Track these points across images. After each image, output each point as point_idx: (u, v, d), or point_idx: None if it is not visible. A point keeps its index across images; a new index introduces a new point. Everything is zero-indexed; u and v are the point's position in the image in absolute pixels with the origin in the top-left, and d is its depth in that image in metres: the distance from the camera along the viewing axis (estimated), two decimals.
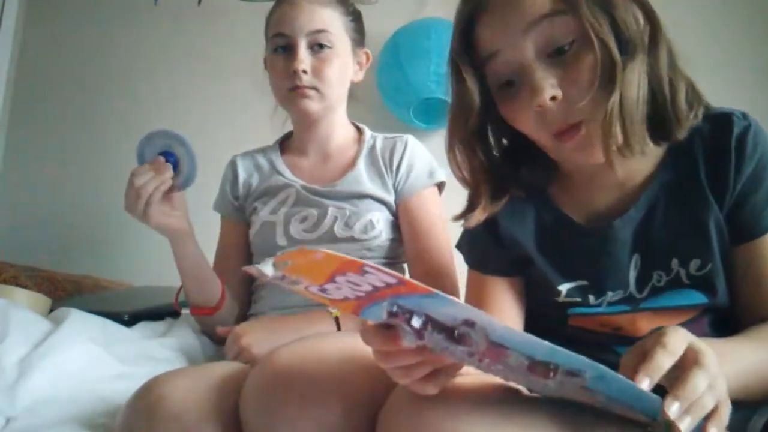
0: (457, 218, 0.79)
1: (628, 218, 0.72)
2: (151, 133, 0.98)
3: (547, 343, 0.45)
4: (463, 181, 0.75)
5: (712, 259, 0.69)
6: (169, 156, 0.96)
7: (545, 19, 0.63)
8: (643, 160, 0.71)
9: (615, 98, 0.62)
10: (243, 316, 1.14)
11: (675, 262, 0.70)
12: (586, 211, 0.75)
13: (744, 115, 0.69)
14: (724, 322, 0.71)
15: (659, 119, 0.66)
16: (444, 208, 1.10)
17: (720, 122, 0.69)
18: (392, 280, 0.42)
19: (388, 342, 0.49)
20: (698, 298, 0.70)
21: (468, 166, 0.74)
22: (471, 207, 0.75)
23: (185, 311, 1.07)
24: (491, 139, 0.75)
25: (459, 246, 0.88)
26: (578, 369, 0.47)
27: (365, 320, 0.51)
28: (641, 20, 0.65)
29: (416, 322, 0.46)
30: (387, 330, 0.49)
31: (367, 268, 0.42)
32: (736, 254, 0.70)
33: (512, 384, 0.58)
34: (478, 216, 0.73)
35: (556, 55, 0.64)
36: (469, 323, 0.45)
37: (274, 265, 0.44)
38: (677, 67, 0.67)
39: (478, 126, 0.72)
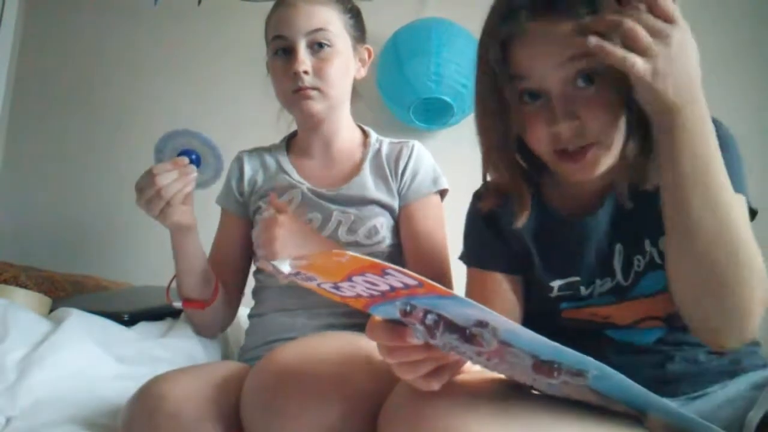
0: (475, 195, 0.85)
1: (606, 209, 0.77)
2: (173, 131, 0.96)
3: (553, 343, 0.45)
4: (506, 190, 0.79)
5: None
6: (189, 154, 0.95)
7: (582, 58, 0.66)
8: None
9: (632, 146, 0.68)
10: (234, 312, 1.15)
11: (647, 243, 0.74)
12: (573, 209, 0.80)
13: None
14: None
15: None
16: (445, 212, 1.10)
17: None
18: (412, 282, 0.42)
19: (395, 337, 0.49)
20: None
21: (509, 171, 0.77)
22: (519, 209, 0.77)
23: (176, 304, 1.07)
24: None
25: (463, 241, 0.90)
26: (582, 368, 0.48)
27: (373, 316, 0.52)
28: None
29: (429, 321, 0.46)
30: (394, 325, 0.50)
31: (388, 270, 0.42)
32: None
33: (515, 381, 0.58)
34: (525, 217, 0.77)
35: (581, 86, 0.68)
36: (482, 324, 0.45)
37: (291, 264, 0.44)
38: None
39: (516, 139, 0.74)
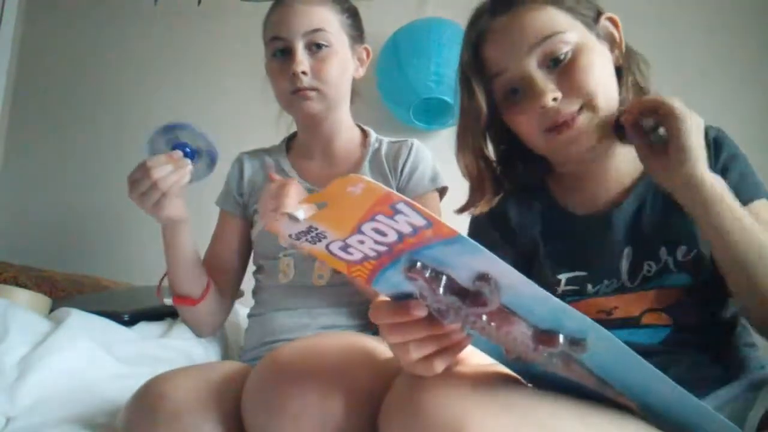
0: (461, 210, 0.86)
1: (622, 210, 0.79)
2: (166, 125, 0.96)
3: (554, 298, 0.46)
4: (470, 176, 0.83)
5: (697, 245, 0.74)
6: (183, 147, 0.95)
7: (545, 40, 0.74)
8: (632, 162, 0.79)
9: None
10: (227, 312, 1.16)
11: (663, 251, 0.76)
12: (585, 205, 0.82)
13: (710, 126, 0.79)
14: (714, 303, 0.77)
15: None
16: (445, 213, 1.10)
17: None
18: (421, 222, 0.43)
19: (399, 313, 0.50)
20: (685, 279, 0.76)
21: (475, 164, 0.82)
22: (477, 198, 0.83)
23: (167, 300, 1.07)
24: (490, 145, 0.85)
25: None
26: (581, 333, 0.48)
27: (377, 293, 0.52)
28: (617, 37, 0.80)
29: (431, 277, 0.47)
30: (397, 302, 0.50)
31: (399, 206, 0.42)
32: None
33: (512, 373, 0.58)
34: (483, 207, 0.82)
35: (554, 64, 0.74)
36: (485, 278, 0.46)
37: (305, 210, 0.45)
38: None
39: (485, 131, 0.81)
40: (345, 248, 0.47)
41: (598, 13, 0.79)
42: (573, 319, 0.47)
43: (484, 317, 0.49)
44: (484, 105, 0.78)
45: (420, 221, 0.43)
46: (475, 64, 0.78)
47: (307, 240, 0.47)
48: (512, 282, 0.46)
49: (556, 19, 0.75)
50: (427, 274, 0.47)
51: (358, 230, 0.45)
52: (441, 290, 0.47)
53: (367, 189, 0.42)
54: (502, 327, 0.50)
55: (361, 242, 0.46)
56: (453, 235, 0.43)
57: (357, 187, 0.42)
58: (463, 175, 0.84)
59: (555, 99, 0.73)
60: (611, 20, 0.80)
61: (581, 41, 0.75)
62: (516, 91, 0.77)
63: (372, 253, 0.47)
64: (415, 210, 0.42)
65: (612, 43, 0.79)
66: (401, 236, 0.44)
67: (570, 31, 0.74)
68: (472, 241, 0.43)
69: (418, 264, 0.46)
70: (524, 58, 0.74)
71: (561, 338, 0.49)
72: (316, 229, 0.46)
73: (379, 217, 0.43)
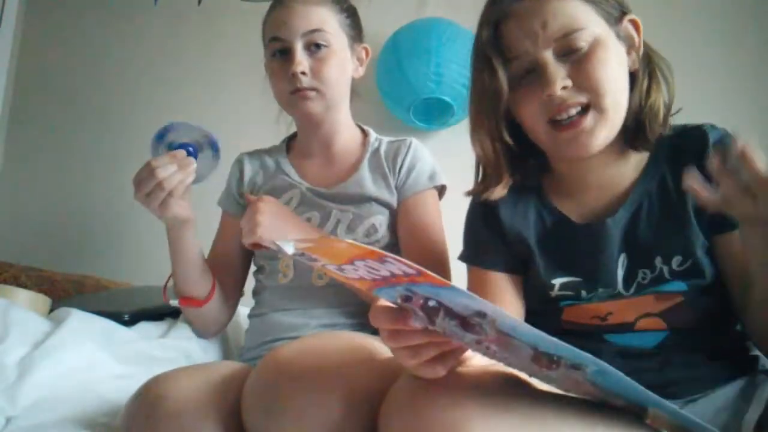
0: (470, 193, 0.86)
1: (618, 218, 0.78)
2: (170, 124, 0.96)
3: (552, 338, 0.46)
4: (486, 159, 0.82)
5: (693, 255, 0.74)
6: (186, 147, 0.95)
7: (565, 36, 0.73)
8: (629, 166, 0.79)
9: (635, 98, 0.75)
10: (231, 312, 1.16)
11: (658, 260, 0.75)
12: (581, 211, 0.81)
13: (713, 126, 0.78)
14: (711, 307, 0.76)
15: (636, 127, 0.77)
16: (445, 213, 1.10)
17: (698, 132, 0.77)
18: (411, 271, 0.43)
19: (398, 321, 0.50)
20: (680, 286, 0.76)
21: (492, 148, 0.80)
22: (492, 183, 0.82)
23: (173, 302, 1.07)
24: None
25: (463, 241, 0.91)
26: (580, 363, 0.48)
27: (377, 298, 0.52)
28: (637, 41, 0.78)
29: (429, 308, 0.47)
30: (397, 309, 0.50)
31: (387, 259, 0.43)
32: (725, 242, 0.75)
33: (515, 372, 0.58)
34: (500, 191, 0.81)
35: (569, 53, 0.74)
36: (481, 314, 0.46)
37: (295, 246, 0.45)
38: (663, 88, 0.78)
39: (504, 113, 0.78)
40: (340, 270, 0.48)
41: (622, 13, 0.78)
42: (572, 351, 0.47)
43: (483, 342, 0.49)
44: (505, 85, 0.76)
45: (410, 270, 0.43)
46: (495, 43, 0.77)
47: (302, 258, 0.48)
48: (509, 322, 0.46)
49: (578, 13, 0.73)
50: (425, 307, 0.47)
51: (351, 262, 0.46)
52: (438, 320, 0.47)
53: (351, 246, 0.43)
54: (501, 351, 0.50)
55: (356, 270, 0.47)
56: (445, 285, 0.43)
57: (342, 245, 0.43)
58: (477, 158, 0.83)
59: (564, 88, 0.72)
60: (633, 23, 0.78)
61: (600, 37, 0.74)
62: (527, 73, 0.76)
63: (368, 277, 0.47)
64: (404, 264, 0.42)
65: (630, 46, 0.78)
66: (394, 275, 0.45)
67: (591, 27, 0.73)
68: (465, 291, 0.44)
69: (415, 297, 0.47)
70: (541, 49, 0.73)
71: (560, 363, 0.48)
72: (309, 255, 0.47)
73: (370, 261, 0.44)
